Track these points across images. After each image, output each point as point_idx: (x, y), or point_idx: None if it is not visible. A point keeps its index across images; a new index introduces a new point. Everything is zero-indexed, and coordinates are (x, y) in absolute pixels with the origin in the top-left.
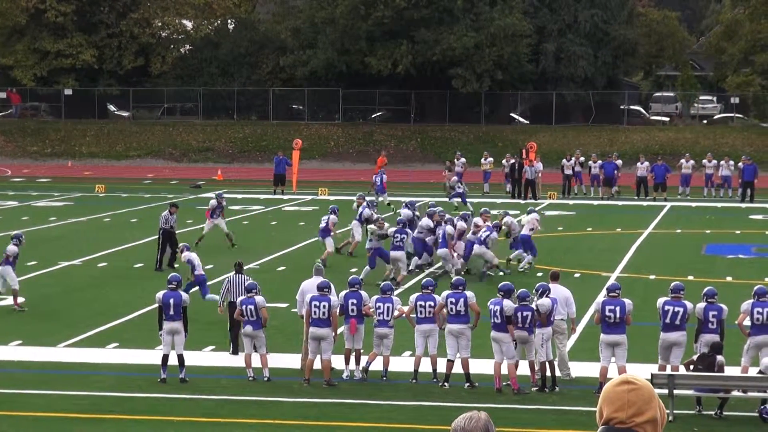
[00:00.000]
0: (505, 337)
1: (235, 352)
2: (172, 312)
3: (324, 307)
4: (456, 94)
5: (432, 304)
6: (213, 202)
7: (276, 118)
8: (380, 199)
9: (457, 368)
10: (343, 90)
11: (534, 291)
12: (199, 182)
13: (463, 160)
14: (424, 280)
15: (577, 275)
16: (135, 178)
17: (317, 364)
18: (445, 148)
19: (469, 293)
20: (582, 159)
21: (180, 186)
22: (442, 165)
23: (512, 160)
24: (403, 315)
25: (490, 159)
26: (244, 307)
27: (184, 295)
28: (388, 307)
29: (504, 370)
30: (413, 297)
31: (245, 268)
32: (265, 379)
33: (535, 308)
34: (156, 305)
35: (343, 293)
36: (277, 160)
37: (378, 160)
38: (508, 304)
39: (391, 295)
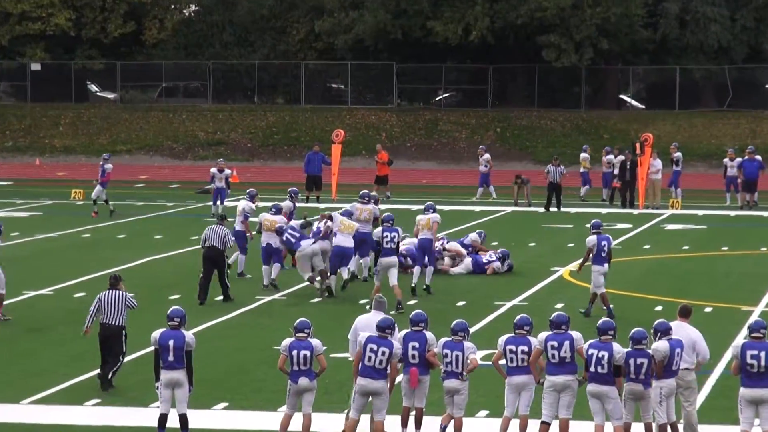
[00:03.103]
0: (610, 391)
1: (106, 388)
2: (171, 358)
3: (383, 354)
4: (547, 69)
5: (526, 349)
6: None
7: (309, 102)
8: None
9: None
10: (399, 65)
11: (651, 331)
12: (208, 186)
13: (487, 156)
14: (518, 318)
15: (708, 309)
16: (124, 180)
17: (364, 426)
18: (534, 141)
19: (575, 334)
20: (678, 155)
21: (183, 191)
22: (528, 162)
23: (619, 156)
24: (477, 365)
25: (585, 155)
26: (295, 352)
27: (189, 336)
28: (457, 356)
29: None
30: (502, 340)
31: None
32: None
33: (651, 354)
34: (152, 348)
35: (402, 334)
36: (311, 156)
37: (381, 155)
38: (619, 349)
39: (463, 339)
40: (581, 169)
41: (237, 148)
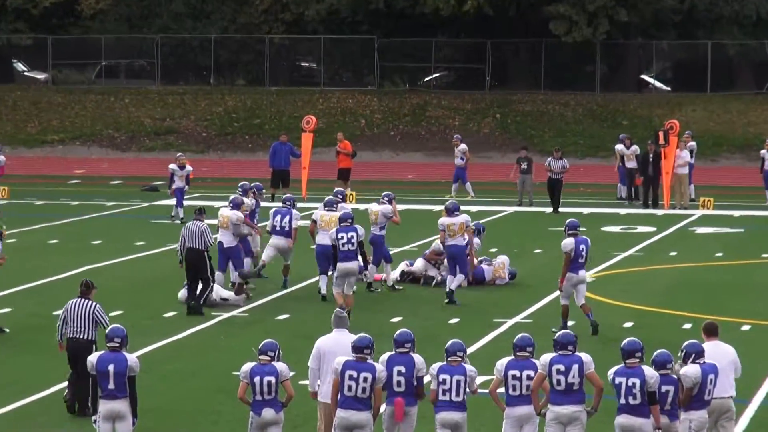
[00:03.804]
0: (644, 424)
1: (74, 411)
2: (112, 385)
3: (365, 380)
4: (556, 45)
5: (532, 374)
6: (242, 200)
7: (275, 83)
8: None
9: None
10: (381, 39)
11: (680, 354)
12: (155, 183)
13: (463, 147)
14: (519, 338)
15: (745, 327)
16: (56, 175)
17: None
18: (540, 129)
19: (584, 357)
20: (692, 144)
21: (126, 188)
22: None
23: (633, 147)
24: (477, 392)
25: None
26: (257, 379)
27: (132, 359)
28: (458, 382)
29: None
30: (502, 364)
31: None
32: None
33: (677, 380)
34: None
35: (384, 357)
36: (277, 148)
37: (342, 145)
38: (651, 373)
39: (462, 359)
40: (617, 165)
41: (190, 138)
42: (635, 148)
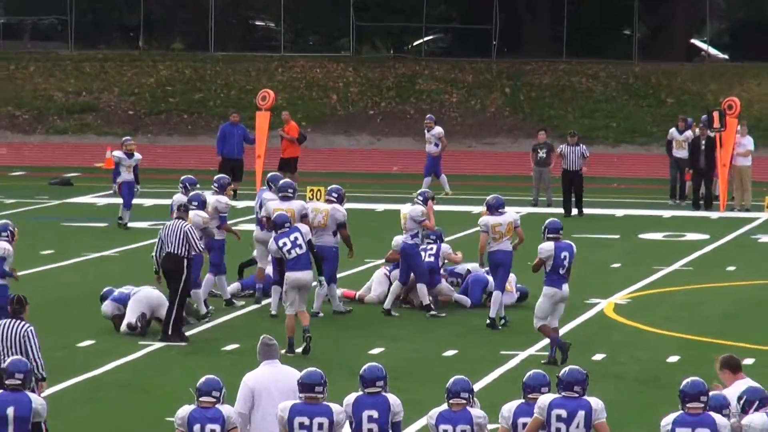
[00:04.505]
0: None
1: None
2: None
3: (321, 427)
4: (582, 0)
5: (526, 421)
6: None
7: (222, 48)
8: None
9: None
10: None
11: (739, 401)
12: (68, 175)
13: (438, 130)
14: (531, 376)
15: None
16: None
17: None
18: (561, 107)
19: (594, 402)
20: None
21: (31, 181)
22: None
23: (686, 132)
24: None
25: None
26: (197, 427)
27: (37, 401)
28: None
29: None
30: (509, 409)
31: None
32: None
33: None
34: None
35: (351, 398)
36: (227, 130)
37: (288, 127)
38: (723, 422)
39: (468, 402)
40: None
41: (112, 117)
42: (689, 134)
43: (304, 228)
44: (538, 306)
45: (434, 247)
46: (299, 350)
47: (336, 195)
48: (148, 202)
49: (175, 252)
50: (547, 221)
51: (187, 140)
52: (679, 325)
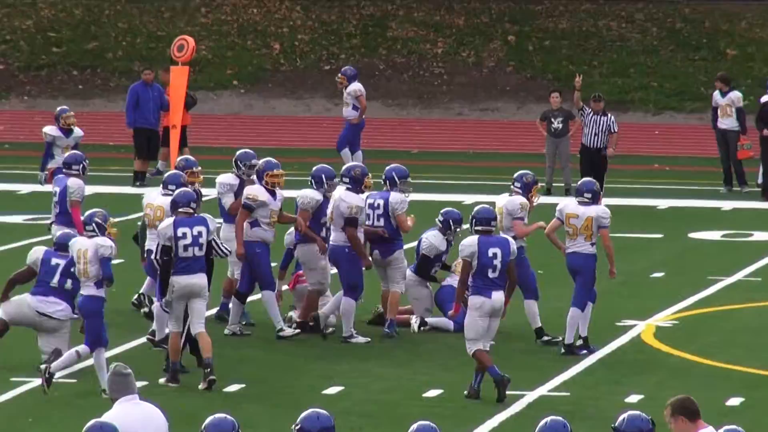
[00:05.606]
0: None
1: None
2: None
3: None
4: None
5: None
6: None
7: None
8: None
9: None
10: None
11: None
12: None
13: (356, 87)
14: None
15: None
16: None
17: None
18: (583, 61)
19: None
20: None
21: None
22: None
23: (730, 94)
24: None
25: None
26: None
27: None
28: None
29: None
30: None
31: None
32: None
33: None
34: None
35: None
36: (140, 92)
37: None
38: None
39: None
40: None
41: None
42: (735, 95)
43: (212, 224)
44: (466, 325)
45: (380, 203)
46: (201, 386)
47: (349, 177)
48: (25, 188)
49: None
50: (476, 209)
51: (77, 104)
52: (742, 356)
